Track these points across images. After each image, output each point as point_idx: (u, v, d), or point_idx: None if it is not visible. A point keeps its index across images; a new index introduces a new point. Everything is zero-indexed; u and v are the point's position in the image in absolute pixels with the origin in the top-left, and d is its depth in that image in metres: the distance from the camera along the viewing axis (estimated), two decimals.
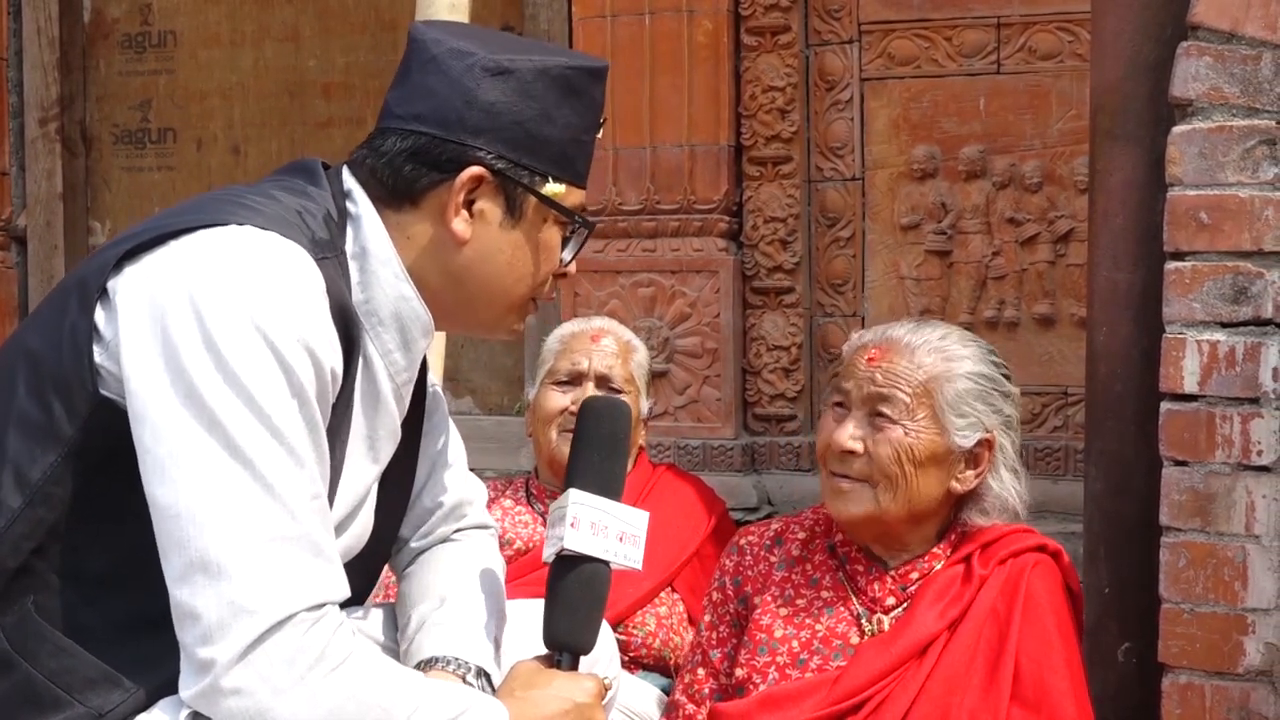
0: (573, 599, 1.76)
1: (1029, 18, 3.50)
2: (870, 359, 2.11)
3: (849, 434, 2.09)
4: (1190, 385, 2.22)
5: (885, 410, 2.08)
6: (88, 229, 4.81)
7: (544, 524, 2.78)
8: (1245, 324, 2.20)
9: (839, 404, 2.15)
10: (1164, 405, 2.25)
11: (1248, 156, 2.20)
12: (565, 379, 2.86)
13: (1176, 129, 2.25)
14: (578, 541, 1.76)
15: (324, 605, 1.49)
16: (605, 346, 2.88)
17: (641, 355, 2.96)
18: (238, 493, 1.45)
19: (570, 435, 2.73)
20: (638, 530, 1.81)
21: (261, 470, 1.45)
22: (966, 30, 3.55)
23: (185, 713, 1.48)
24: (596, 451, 1.83)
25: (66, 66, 4.73)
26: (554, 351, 2.91)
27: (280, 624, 1.44)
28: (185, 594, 1.45)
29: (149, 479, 1.47)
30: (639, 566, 1.82)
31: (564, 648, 1.76)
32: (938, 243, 3.60)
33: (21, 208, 4.73)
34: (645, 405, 2.94)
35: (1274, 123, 2.19)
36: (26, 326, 1.62)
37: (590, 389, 2.80)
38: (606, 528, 1.78)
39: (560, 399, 2.84)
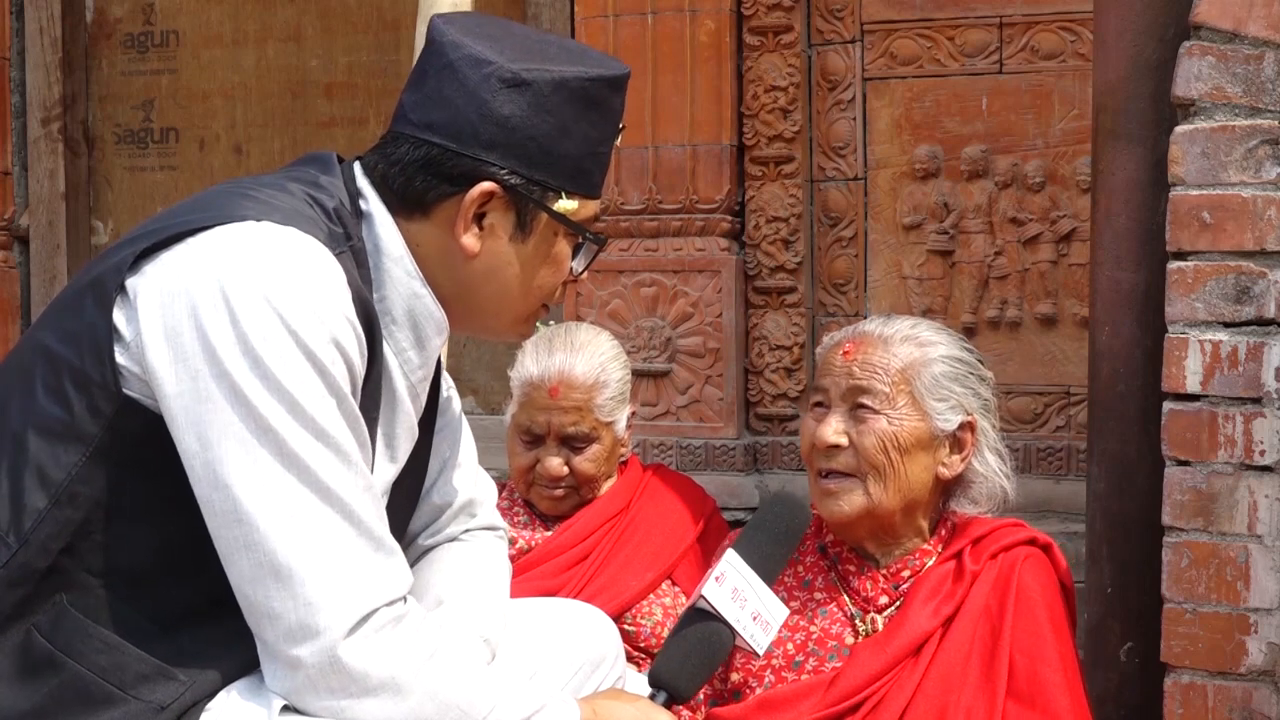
0: (689, 647, 1.81)
1: (1031, 17, 3.50)
2: (845, 353, 2.14)
3: (832, 429, 2.11)
4: (1193, 385, 2.22)
5: (866, 401, 2.10)
6: (90, 229, 4.81)
7: (541, 523, 2.79)
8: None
9: (819, 404, 2.16)
10: (1166, 405, 2.25)
11: (1250, 156, 2.20)
12: (526, 436, 2.72)
13: (1179, 129, 2.25)
14: (715, 596, 1.82)
15: (396, 601, 1.51)
16: (564, 401, 2.66)
17: (613, 382, 2.72)
18: (296, 497, 1.46)
19: (541, 491, 2.72)
20: (773, 619, 1.86)
21: (315, 473, 1.47)
22: (969, 30, 3.55)
23: (278, 704, 1.50)
24: (768, 536, 1.92)
25: (69, 66, 4.73)
26: (518, 388, 2.73)
27: (361, 622, 1.47)
28: (259, 595, 1.47)
29: (198, 482, 1.48)
30: (760, 652, 1.87)
31: (664, 686, 1.79)
32: (940, 242, 3.59)
33: (24, 207, 4.74)
34: (623, 422, 2.75)
35: (1276, 123, 2.19)
36: (41, 326, 1.61)
37: (553, 448, 2.68)
38: (745, 601, 1.84)
39: (526, 456, 2.71)
